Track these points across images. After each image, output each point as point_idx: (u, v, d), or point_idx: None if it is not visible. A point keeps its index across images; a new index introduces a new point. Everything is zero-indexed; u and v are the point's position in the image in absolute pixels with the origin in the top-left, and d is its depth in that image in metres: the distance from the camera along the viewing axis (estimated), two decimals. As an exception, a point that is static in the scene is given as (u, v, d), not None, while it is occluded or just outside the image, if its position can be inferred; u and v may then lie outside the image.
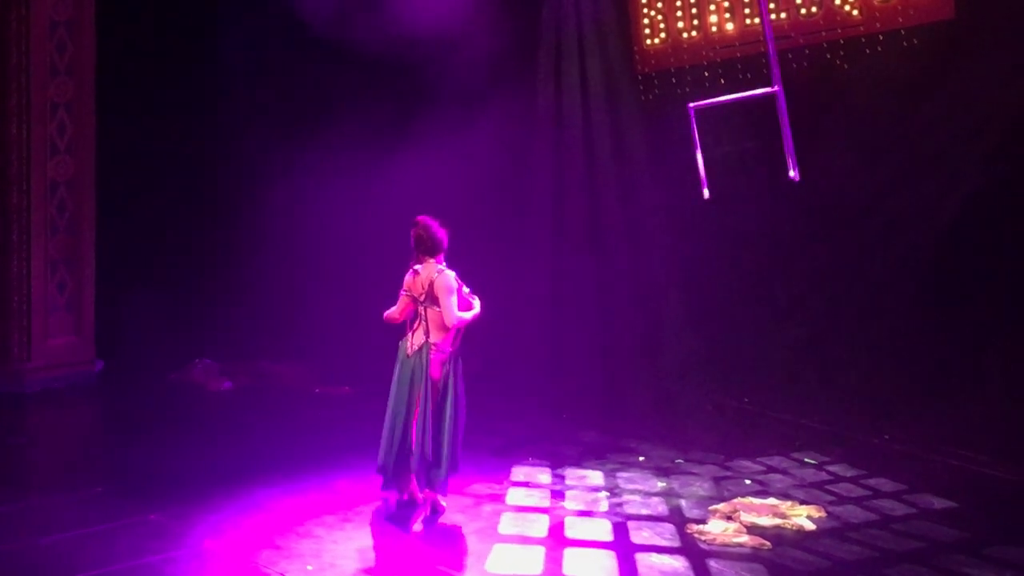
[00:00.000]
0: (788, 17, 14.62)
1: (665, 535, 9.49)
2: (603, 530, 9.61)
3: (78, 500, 10.32)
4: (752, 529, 9.56)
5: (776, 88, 10.72)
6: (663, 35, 15.90)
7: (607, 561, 8.93)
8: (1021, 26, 12.90)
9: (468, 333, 10.02)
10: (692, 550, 9.14)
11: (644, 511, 10.12)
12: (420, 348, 9.73)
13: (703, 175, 11.18)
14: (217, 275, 16.19)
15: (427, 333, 9.73)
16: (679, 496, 10.55)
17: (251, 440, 12.42)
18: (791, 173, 10.52)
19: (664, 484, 10.95)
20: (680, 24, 15.69)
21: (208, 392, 14.98)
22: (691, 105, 11.39)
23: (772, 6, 14.61)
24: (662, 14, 15.88)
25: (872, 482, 11.03)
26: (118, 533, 9.38)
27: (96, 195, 15.23)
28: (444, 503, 9.89)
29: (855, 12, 14.20)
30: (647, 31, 16.08)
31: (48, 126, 14.90)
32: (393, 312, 9.94)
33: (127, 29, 15.79)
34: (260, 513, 9.84)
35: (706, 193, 11.24)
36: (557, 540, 9.35)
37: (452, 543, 9.24)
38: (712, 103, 11.64)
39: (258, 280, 15.92)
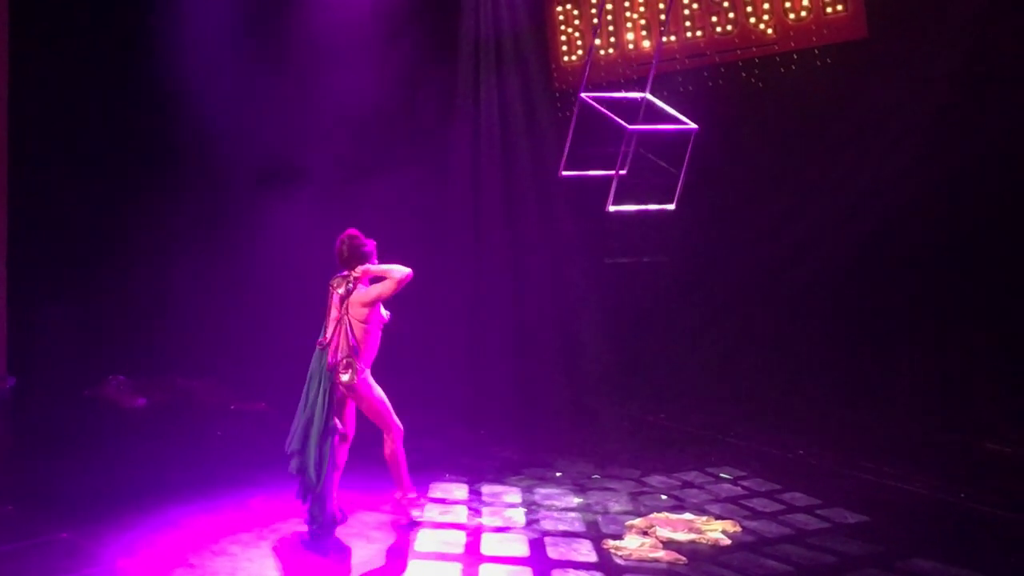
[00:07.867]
0: (704, 35, 14.77)
1: (582, 551, 9.50)
2: (520, 546, 9.61)
3: (-13, 518, 10.16)
4: (668, 544, 9.60)
5: (695, 127, 10.97)
6: (580, 52, 16.00)
7: (524, 577, 8.95)
8: (932, 45, 13.10)
9: (382, 344, 10.01)
10: (608, 566, 9.17)
11: (561, 527, 10.13)
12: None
13: (566, 154, 11.43)
14: (131, 291, 15.99)
15: None
16: (595, 512, 10.59)
17: (165, 457, 12.28)
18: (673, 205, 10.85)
19: (581, 500, 10.98)
20: (597, 41, 15.78)
21: (122, 409, 14.80)
22: (582, 95, 11.54)
23: (688, 24, 14.77)
24: (580, 31, 15.99)
25: (786, 497, 11.13)
26: (29, 552, 9.24)
27: (8, 208, 15.00)
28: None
29: (770, 31, 14.37)
30: (564, 48, 16.19)
31: (-42, 139, 14.72)
32: None
33: (42, 38, 15.58)
34: (174, 531, 9.72)
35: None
36: (474, 556, 9.33)
37: (368, 560, 9.18)
38: (602, 97, 11.77)
39: (173, 296, 15.76)
